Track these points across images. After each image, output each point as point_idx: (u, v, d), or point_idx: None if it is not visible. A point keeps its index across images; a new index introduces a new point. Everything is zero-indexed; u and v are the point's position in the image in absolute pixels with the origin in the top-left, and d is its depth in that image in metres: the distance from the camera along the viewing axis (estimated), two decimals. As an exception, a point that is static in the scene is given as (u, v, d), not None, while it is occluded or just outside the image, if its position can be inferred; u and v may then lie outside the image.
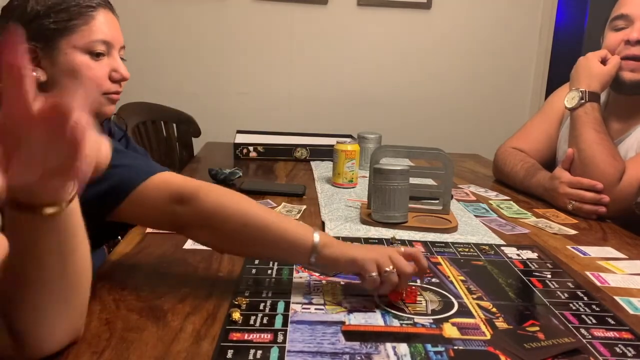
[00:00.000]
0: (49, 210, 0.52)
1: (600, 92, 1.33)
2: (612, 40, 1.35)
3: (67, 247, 0.56)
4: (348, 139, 1.54)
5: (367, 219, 1.13)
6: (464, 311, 0.75)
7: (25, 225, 0.52)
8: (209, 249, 0.94)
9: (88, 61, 0.96)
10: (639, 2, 1.30)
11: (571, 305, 0.78)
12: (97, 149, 0.50)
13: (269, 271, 0.86)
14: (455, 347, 0.65)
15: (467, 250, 1.00)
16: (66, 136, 0.44)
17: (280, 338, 0.65)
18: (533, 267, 0.93)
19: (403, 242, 1.02)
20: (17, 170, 0.44)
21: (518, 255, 0.99)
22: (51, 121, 0.43)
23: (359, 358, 0.62)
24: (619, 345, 0.67)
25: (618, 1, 1.37)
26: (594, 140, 1.27)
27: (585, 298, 0.81)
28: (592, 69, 1.34)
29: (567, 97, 1.36)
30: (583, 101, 1.31)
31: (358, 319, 0.71)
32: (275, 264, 0.89)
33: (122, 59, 1.03)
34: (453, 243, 1.03)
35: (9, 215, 0.51)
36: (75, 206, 0.55)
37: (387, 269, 0.74)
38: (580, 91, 1.32)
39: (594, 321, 0.74)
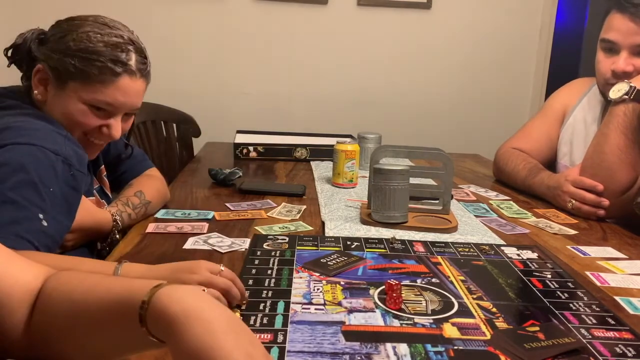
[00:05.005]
0: None
1: None
2: (603, 66, 1.34)
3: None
4: (348, 139, 1.54)
5: (367, 219, 1.13)
6: (464, 311, 0.75)
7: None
8: (209, 248, 0.95)
9: (85, 110, 0.97)
10: (625, 29, 1.28)
11: (571, 305, 0.78)
12: None
13: (269, 271, 0.86)
14: (455, 347, 0.65)
15: (467, 250, 1.00)
16: None
17: (280, 338, 0.65)
18: (533, 267, 0.93)
19: (403, 242, 1.02)
20: None
21: (518, 255, 0.99)
22: None
23: (359, 358, 0.62)
24: (619, 345, 0.67)
25: (607, 19, 1.33)
26: (618, 146, 1.22)
27: (585, 298, 0.81)
28: None
29: (615, 86, 1.26)
30: (627, 97, 1.21)
31: (358, 319, 0.71)
32: (276, 263, 0.89)
33: (127, 114, 1.03)
34: (453, 243, 1.03)
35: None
36: None
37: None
38: (631, 86, 1.22)
39: (594, 321, 0.74)
